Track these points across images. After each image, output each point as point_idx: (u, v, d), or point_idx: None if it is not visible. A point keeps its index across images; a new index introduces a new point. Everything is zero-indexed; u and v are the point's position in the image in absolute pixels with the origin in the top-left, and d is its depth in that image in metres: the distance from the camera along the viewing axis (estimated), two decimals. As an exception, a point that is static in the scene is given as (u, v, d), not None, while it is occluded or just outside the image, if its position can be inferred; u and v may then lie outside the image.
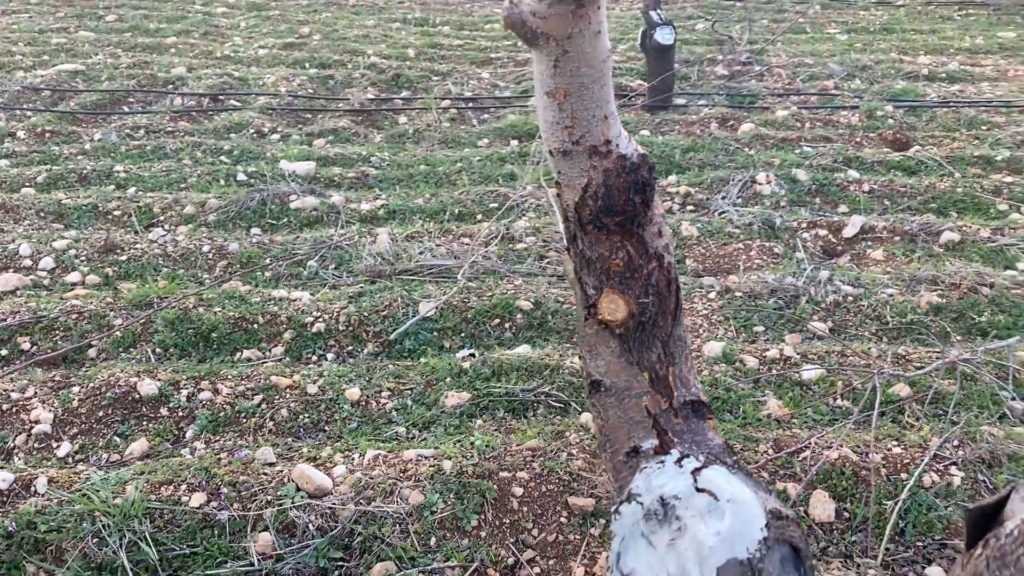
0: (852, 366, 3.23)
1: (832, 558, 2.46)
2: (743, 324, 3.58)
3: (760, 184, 4.81)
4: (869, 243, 4.28)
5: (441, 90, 6.76)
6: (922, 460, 2.68)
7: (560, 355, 3.26)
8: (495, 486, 2.56)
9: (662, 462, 0.96)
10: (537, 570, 2.39)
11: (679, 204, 4.71)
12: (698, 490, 0.92)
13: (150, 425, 2.95)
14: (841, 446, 2.73)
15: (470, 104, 6.54)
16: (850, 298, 3.71)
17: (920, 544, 2.50)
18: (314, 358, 3.44)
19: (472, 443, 2.74)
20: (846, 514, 2.58)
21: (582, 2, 0.89)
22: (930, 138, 5.71)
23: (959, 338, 3.49)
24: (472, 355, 3.32)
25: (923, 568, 2.43)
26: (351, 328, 3.52)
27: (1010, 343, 3.31)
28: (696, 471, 0.93)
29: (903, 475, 2.65)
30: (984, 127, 5.89)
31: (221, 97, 6.60)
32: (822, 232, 4.34)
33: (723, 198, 4.67)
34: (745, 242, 4.24)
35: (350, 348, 3.48)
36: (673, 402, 1.03)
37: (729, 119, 5.96)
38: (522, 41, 0.97)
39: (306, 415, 3.00)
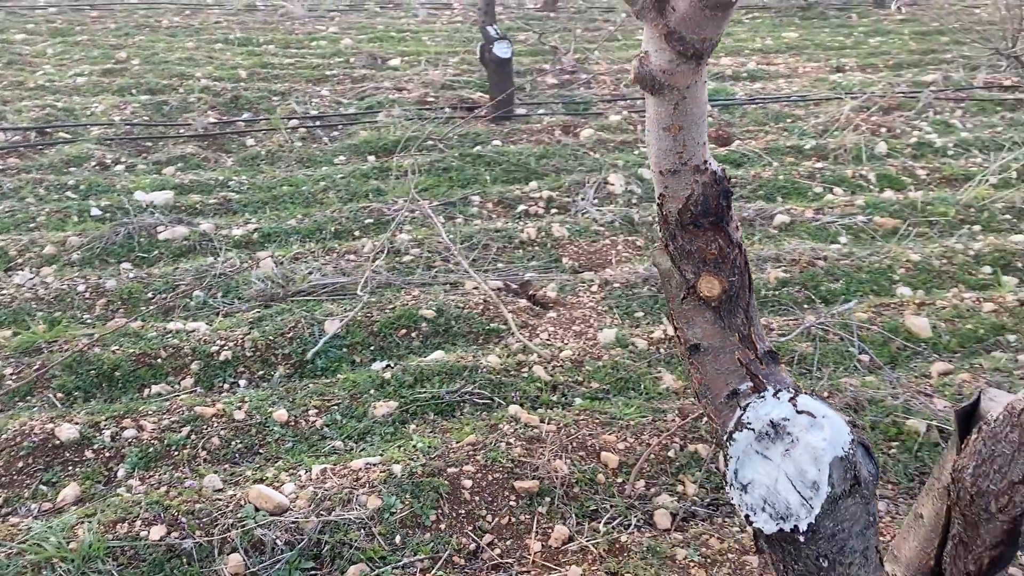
0: (727, 339, 3.65)
1: (745, 504, 2.83)
2: (625, 312, 3.94)
3: (612, 185, 5.23)
4: (716, 230, 4.79)
5: (284, 110, 6.75)
6: (802, 411, 3.12)
7: (474, 357, 3.47)
8: (446, 482, 2.74)
9: (762, 397, 1.23)
10: (497, 551, 2.60)
11: (544, 208, 5.03)
12: (798, 412, 1.19)
13: (77, 469, 2.89)
14: (735, 408, 3.12)
15: (318, 123, 6.58)
16: (712, 280, 4.16)
17: (812, 482, 2.93)
18: (226, 386, 3.46)
19: (414, 446, 2.90)
20: (749, 465, 2.96)
21: (700, 61, 1.13)
22: (746, 132, 6.39)
23: (806, 306, 4.02)
24: (388, 366, 3.46)
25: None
26: (259, 353, 3.56)
27: (849, 306, 3.87)
28: (792, 399, 1.21)
29: (789, 426, 3.08)
30: (789, 120, 6.66)
31: (48, 130, 6.27)
32: (675, 223, 4.80)
33: (583, 200, 5.05)
34: (611, 238, 4.62)
35: (261, 372, 3.52)
36: (757, 353, 1.30)
37: (570, 126, 6.38)
38: (646, 91, 1.20)
39: (238, 440, 3.04)
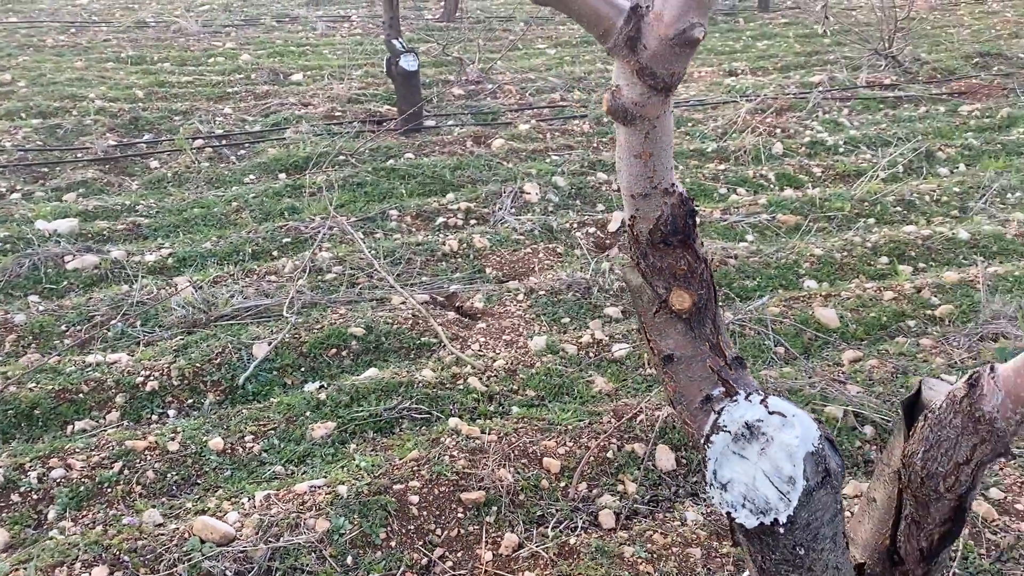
0: (651, 339, 3.78)
1: (684, 499, 2.95)
2: (553, 318, 4.03)
3: (528, 194, 5.33)
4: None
5: (188, 130, 6.59)
6: (729, 405, 3.26)
7: (408, 372, 3.49)
8: (393, 499, 2.75)
9: (735, 400, 1.30)
10: (449, 564, 2.63)
11: (463, 219, 5.08)
12: (770, 413, 1.28)
13: (3, 515, 2.77)
14: (665, 406, 3.24)
15: (224, 142, 6.45)
16: (632, 283, 4.29)
17: (743, 472, 3.07)
18: (155, 417, 3.37)
19: (358, 466, 2.91)
20: (684, 461, 3.08)
21: (668, 93, 1.20)
22: (651, 137, 6.58)
23: (722, 304, 4.20)
24: (322, 387, 3.45)
25: (750, 490, 2.99)
26: (187, 381, 3.49)
27: (763, 302, 4.05)
28: (763, 401, 1.29)
29: (718, 420, 3.22)
30: (690, 124, 6.91)
31: (-67, 158, 5.95)
32: (591, 230, 4.93)
33: (500, 210, 5.12)
34: (532, 247, 4.71)
35: (191, 401, 3.45)
36: (727, 360, 1.38)
37: (481, 136, 6.45)
38: (619, 122, 1.26)
39: (174, 472, 2.98)
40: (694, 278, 1.32)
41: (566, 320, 4.03)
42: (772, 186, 5.67)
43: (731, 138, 6.46)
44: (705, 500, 2.93)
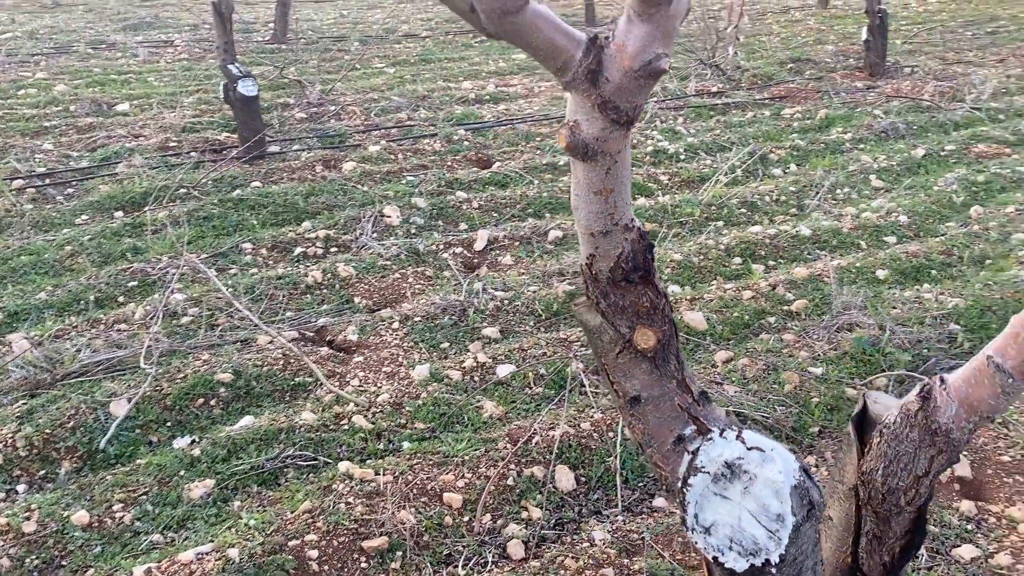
0: (533, 357, 3.77)
1: (588, 518, 2.93)
2: (432, 345, 3.93)
3: (389, 217, 5.21)
4: (497, 251, 4.92)
5: (4, 169, 6.01)
6: (619, 419, 3.29)
7: (287, 416, 3.29)
8: (290, 557, 2.58)
9: (710, 439, 1.26)
10: (359, 618, 2.49)
11: (323, 248, 4.89)
12: (749, 449, 1.24)
13: None
14: (558, 425, 3.23)
15: (47, 181, 5.93)
16: (505, 301, 4.27)
17: (642, 484, 3.09)
18: (2, 495, 3.01)
19: (246, 525, 2.71)
20: (583, 479, 3.07)
21: (631, 125, 1.14)
22: (503, 154, 6.62)
23: (595, 315, 4.24)
24: (194, 441, 3.20)
25: (651, 501, 3.01)
26: (36, 450, 3.15)
27: (636, 310, 4.12)
28: (738, 437, 1.25)
29: (610, 434, 3.23)
30: (538, 138, 6.99)
31: None
32: (458, 250, 4.88)
33: (362, 235, 4.97)
34: (400, 271, 4.59)
35: (43, 472, 3.11)
36: (694, 395, 1.33)
37: (331, 160, 6.26)
38: (578, 158, 1.18)
39: (34, 556, 2.66)
40: (657, 314, 1.28)
41: (445, 345, 3.94)
42: (626, 195, 5.81)
43: (580, 150, 6.58)
44: (608, 517, 2.93)
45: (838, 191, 5.91)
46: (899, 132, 7.15)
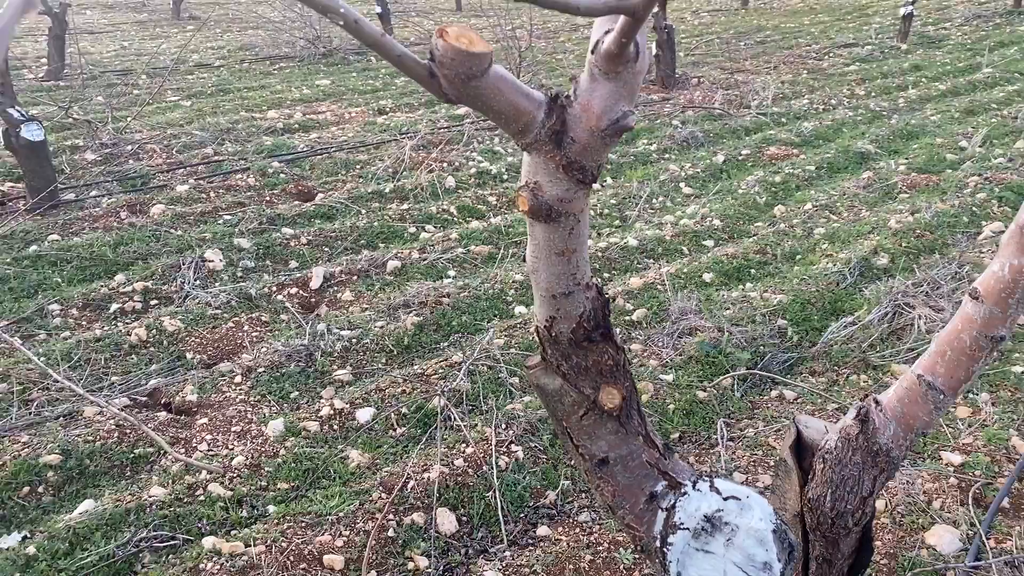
0: (392, 397, 3.64)
1: (474, 558, 2.85)
2: (281, 396, 3.71)
3: (212, 261, 4.88)
4: (336, 288, 4.74)
5: None
6: (491, 450, 3.24)
7: (133, 494, 2.98)
8: (163, 655, 2.32)
9: (684, 493, 1.20)
10: None
11: (142, 302, 4.50)
12: (726, 499, 1.19)
13: None
14: (432, 467, 3.13)
15: None
16: (353, 340, 4.11)
17: (523, 516, 3.05)
18: None
19: (105, 626, 2.41)
20: (465, 518, 2.99)
21: (593, 183, 1.06)
22: (324, 184, 6.41)
23: (445, 344, 4.17)
24: (26, 538, 2.82)
25: (535, 531, 2.98)
26: None
27: (489, 336, 4.09)
28: (711, 487, 1.20)
29: (484, 467, 3.17)
30: (358, 166, 6.83)
31: None
32: (294, 290, 4.65)
33: (185, 284, 4.63)
34: (233, 320, 4.31)
35: None
36: (660, 449, 1.27)
37: (136, 204, 5.79)
38: (540, 220, 1.08)
39: None
40: (620, 371, 1.23)
41: (296, 394, 3.73)
42: (457, 219, 5.79)
43: (404, 176, 6.50)
44: (496, 554, 2.86)
45: (654, 200, 6.19)
46: (699, 140, 7.60)
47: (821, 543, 1.44)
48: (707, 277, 4.83)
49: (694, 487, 1.26)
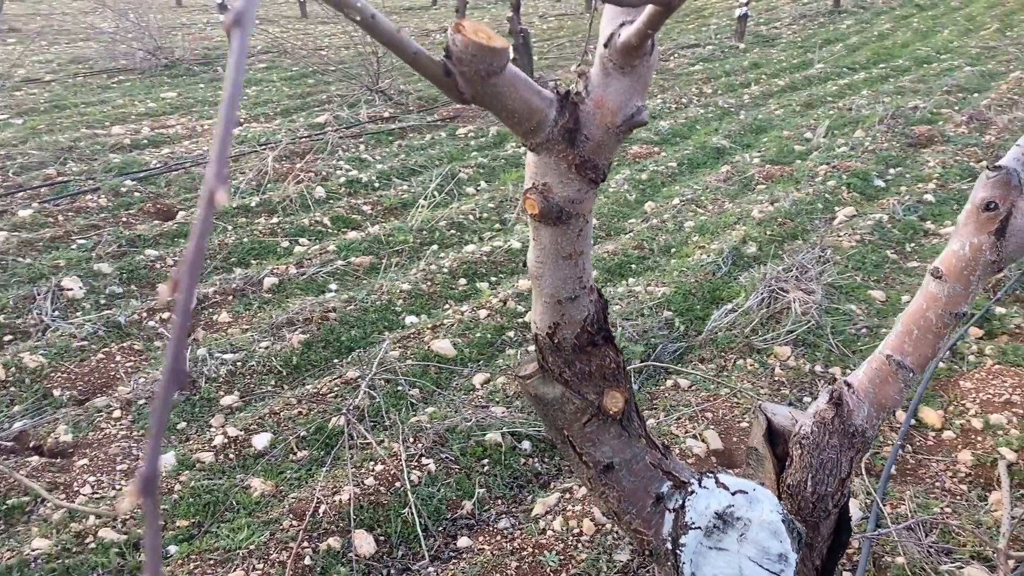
0: (289, 418, 3.48)
1: (398, 577, 2.76)
2: (167, 428, 3.46)
3: (71, 290, 4.52)
4: (211, 310, 4.49)
5: None
6: (402, 466, 3.15)
7: (12, 549, 2.70)
8: None
9: (692, 492, 1.15)
10: None
11: (-6, 338, 4.11)
12: (734, 494, 1.15)
13: None
14: (342, 488, 3.00)
15: None
16: (238, 363, 3.90)
17: (441, 529, 2.98)
18: None
19: None
20: (383, 538, 2.89)
21: (601, 183, 0.99)
22: (185, 201, 6.07)
23: (336, 361, 4.03)
24: None
25: (455, 543, 2.91)
26: None
27: (383, 348, 3.99)
28: (719, 483, 1.17)
29: (397, 483, 3.08)
30: (220, 181, 6.50)
31: None
32: (166, 315, 4.36)
33: (41, 316, 4.25)
34: (103, 350, 4.00)
35: None
36: (661, 450, 1.21)
37: (-26, 232, 5.29)
38: (549, 224, 1.00)
39: None
40: (620, 373, 1.18)
41: (183, 425, 3.50)
42: (332, 231, 5.62)
43: (270, 189, 6.26)
44: (419, 572, 2.78)
45: (530, 202, 6.22)
46: (564, 141, 7.72)
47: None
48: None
49: (700, 484, 1.24)
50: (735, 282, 4.77)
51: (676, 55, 11.82)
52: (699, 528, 1.23)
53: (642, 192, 6.42)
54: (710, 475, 1.28)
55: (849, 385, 1.42)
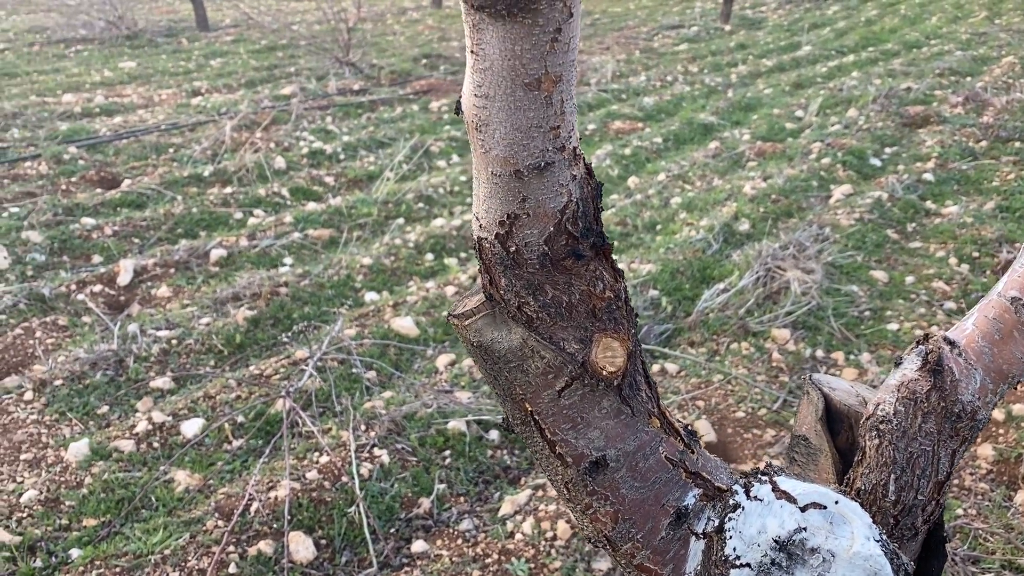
0: (226, 403, 3.06)
1: (340, 587, 2.36)
2: (85, 412, 3.04)
3: (-8, 259, 4.06)
4: (150, 283, 4.05)
5: None
6: (350, 457, 2.74)
7: None
8: None
9: (735, 506, 0.73)
10: None
11: (-101, 311, 3.65)
12: (803, 509, 0.73)
13: None
14: (279, 483, 2.60)
15: None
16: (174, 341, 3.47)
17: (393, 531, 2.58)
18: None
19: None
20: (324, 542, 2.48)
21: None
22: (132, 170, 5.61)
23: (286, 340, 3.62)
24: None
25: (408, 547, 2.51)
26: None
27: (337, 327, 3.57)
28: (780, 493, 0.74)
29: (344, 478, 2.67)
30: (172, 149, 6.05)
31: None
32: (97, 288, 3.92)
33: (-44, 287, 3.80)
34: (23, 325, 3.56)
35: None
36: (683, 437, 0.79)
37: None
38: (498, 15, 0.58)
39: None
40: (620, 309, 0.75)
41: (104, 409, 3.07)
42: (290, 202, 5.19)
43: (226, 158, 5.80)
44: (366, 580, 2.38)
45: (506, 176, 5.82)
46: (543, 116, 7.31)
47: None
48: (569, 251, 4.50)
49: (749, 495, 0.79)
50: (727, 260, 4.39)
51: (660, 35, 11.44)
52: (748, 567, 0.77)
53: (625, 168, 6.03)
54: (763, 478, 0.82)
55: (952, 343, 1.00)
